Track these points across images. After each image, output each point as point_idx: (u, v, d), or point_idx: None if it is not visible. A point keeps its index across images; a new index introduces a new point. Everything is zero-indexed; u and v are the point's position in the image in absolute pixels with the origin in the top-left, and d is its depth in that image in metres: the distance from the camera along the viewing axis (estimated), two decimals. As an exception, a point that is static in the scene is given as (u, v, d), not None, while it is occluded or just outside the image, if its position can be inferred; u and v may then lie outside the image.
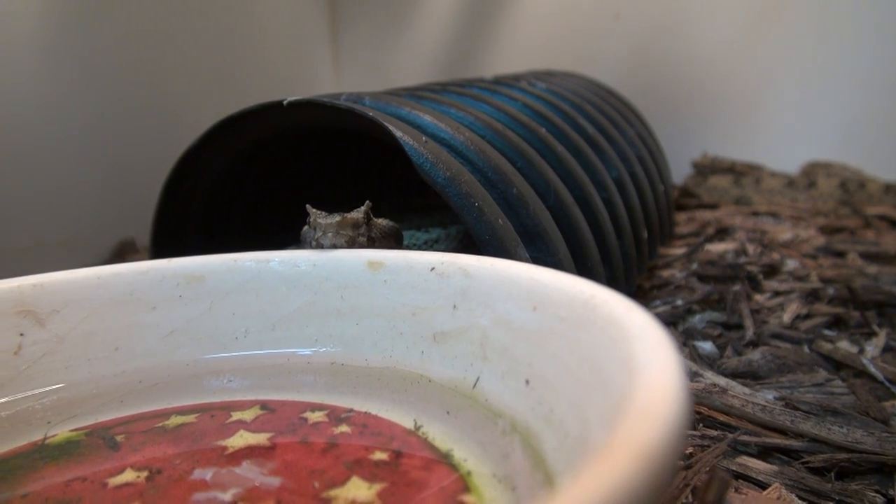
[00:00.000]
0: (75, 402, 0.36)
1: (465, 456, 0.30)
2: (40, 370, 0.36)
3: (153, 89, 1.19)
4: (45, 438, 0.33)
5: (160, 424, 0.35)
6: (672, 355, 0.20)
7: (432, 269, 0.37)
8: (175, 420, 0.35)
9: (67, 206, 1.03)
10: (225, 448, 0.32)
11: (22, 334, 0.36)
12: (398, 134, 0.45)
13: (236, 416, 0.35)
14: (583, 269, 0.55)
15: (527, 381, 0.30)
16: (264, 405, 0.36)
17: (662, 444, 0.14)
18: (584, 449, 0.23)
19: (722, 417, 0.49)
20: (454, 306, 0.36)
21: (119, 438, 0.33)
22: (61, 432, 0.34)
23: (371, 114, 0.46)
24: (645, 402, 0.16)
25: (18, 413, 0.35)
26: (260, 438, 0.33)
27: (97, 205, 1.07)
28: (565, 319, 0.29)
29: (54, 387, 0.36)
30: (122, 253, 1.04)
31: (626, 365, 0.21)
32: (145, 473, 0.30)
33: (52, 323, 0.37)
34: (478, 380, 0.34)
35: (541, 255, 0.49)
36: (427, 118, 0.50)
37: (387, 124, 0.45)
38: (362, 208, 0.43)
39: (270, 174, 0.70)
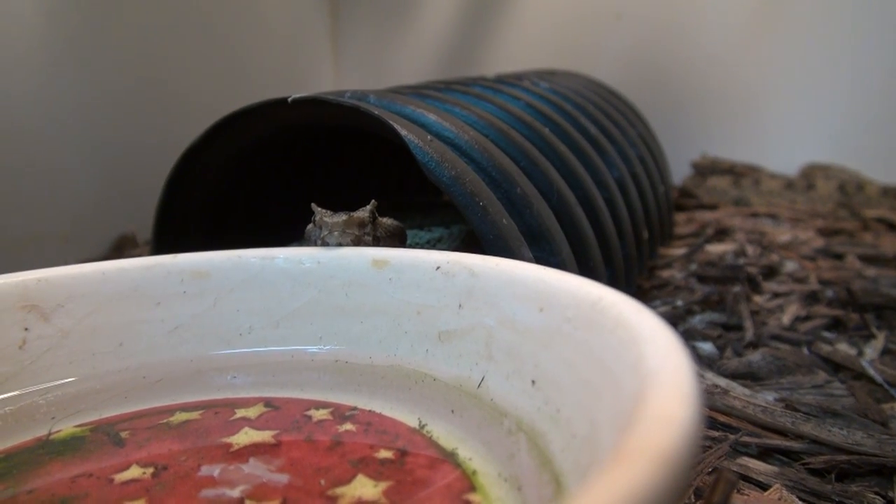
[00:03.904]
0: (79, 398, 0.36)
1: (470, 455, 0.30)
2: (44, 365, 0.36)
3: (153, 83, 1.18)
4: (49, 434, 0.33)
5: (164, 421, 0.35)
6: (683, 358, 0.20)
7: (438, 268, 0.37)
8: (179, 416, 0.35)
9: (67, 200, 1.03)
10: (230, 445, 0.32)
11: (26, 329, 0.36)
12: (403, 132, 0.45)
13: (240, 413, 0.35)
14: (585, 269, 0.55)
15: (533, 382, 0.30)
16: (268, 402, 0.36)
17: (680, 447, 0.14)
18: (593, 450, 0.23)
19: (723, 418, 0.49)
20: (459, 305, 0.36)
21: (124, 434, 0.33)
22: (65, 428, 0.34)
23: (376, 112, 0.46)
24: (660, 406, 0.16)
25: (22, 408, 0.35)
26: (265, 436, 0.33)
27: (97, 199, 1.07)
28: (572, 321, 0.29)
29: (58, 382, 0.36)
30: (122, 247, 1.03)
31: (636, 368, 0.21)
32: (151, 470, 0.30)
33: (57, 318, 0.37)
34: (483, 379, 0.34)
35: (544, 255, 0.49)
36: (432, 117, 0.50)
37: (392, 122, 0.45)
38: (368, 207, 0.43)
39: (271, 171, 0.70)
